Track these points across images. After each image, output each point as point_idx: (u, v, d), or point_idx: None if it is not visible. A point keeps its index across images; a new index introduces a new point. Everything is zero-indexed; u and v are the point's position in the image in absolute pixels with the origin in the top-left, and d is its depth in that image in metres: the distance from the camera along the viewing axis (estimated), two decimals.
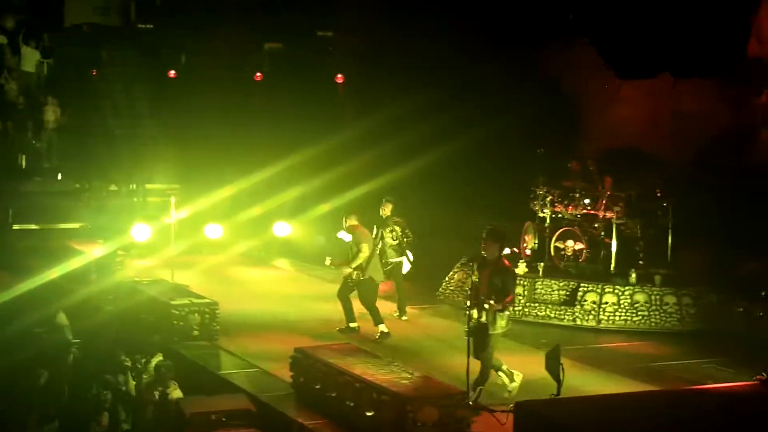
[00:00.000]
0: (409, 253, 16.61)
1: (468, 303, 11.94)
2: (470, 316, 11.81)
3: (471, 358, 11.60)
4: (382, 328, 15.22)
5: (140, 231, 18.83)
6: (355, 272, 15.21)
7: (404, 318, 16.58)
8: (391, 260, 16.38)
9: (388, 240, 16.36)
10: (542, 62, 21.49)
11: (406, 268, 16.61)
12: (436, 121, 21.08)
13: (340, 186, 20.60)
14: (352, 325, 15.43)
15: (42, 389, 12.84)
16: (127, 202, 22.69)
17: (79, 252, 19.00)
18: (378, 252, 15.78)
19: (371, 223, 16.03)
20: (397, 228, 16.42)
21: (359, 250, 15.17)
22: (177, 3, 28.26)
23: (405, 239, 16.50)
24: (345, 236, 15.88)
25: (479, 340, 11.86)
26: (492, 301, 11.74)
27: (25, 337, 13.75)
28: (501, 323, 11.93)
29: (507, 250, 17.20)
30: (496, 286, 11.81)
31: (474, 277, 12.11)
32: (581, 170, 18.09)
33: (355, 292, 15.45)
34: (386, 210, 16.39)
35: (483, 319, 11.83)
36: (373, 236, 15.82)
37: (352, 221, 15.43)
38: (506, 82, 21.40)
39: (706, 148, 19.38)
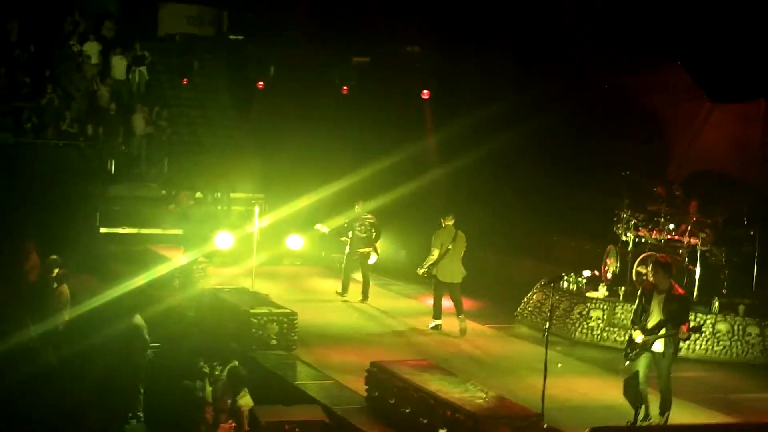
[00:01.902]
0: (377, 246, 18.86)
1: (547, 327, 11.99)
2: (633, 343, 11.93)
3: (635, 383, 11.73)
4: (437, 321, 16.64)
5: (223, 239, 19.01)
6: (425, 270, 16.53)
7: (367, 302, 18.64)
8: (358, 250, 18.70)
9: (358, 233, 18.66)
10: (632, 84, 21.29)
11: (373, 260, 18.88)
12: (520, 140, 21.03)
13: (421, 199, 20.66)
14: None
15: (122, 388, 13.07)
16: (212, 210, 22.95)
17: (163, 258, 19.29)
18: (349, 242, 18.63)
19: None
20: (367, 223, 18.67)
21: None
22: (268, 15, 28.59)
23: (374, 233, 18.71)
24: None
25: (649, 367, 11.92)
26: (684, 328, 11.77)
27: (108, 343, 13.96)
28: (676, 350, 12.07)
29: (587, 273, 17.28)
30: (673, 312, 11.81)
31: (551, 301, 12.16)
32: (667, 194, 17.82)
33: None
34: (358, 208, 18.89)
35: (660, 348, 11.86)
36: (345, 227, 18.77)
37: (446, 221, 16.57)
38: (592, 103, 21.25)
39: None
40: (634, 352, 11.95)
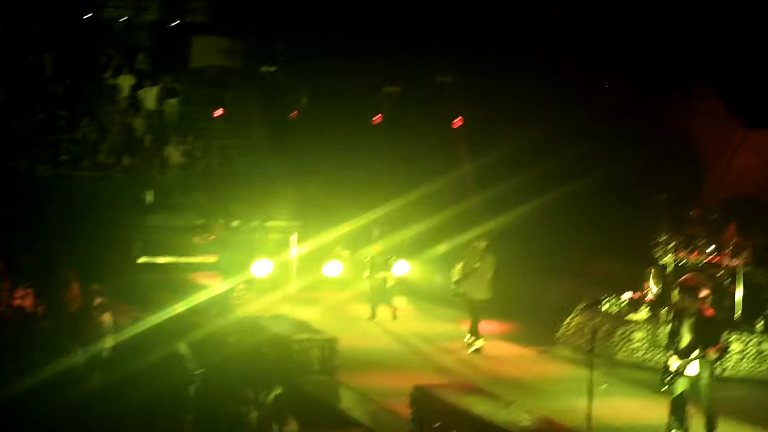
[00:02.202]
0: (392, 271, 19.58)
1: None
2: (668, 370, 11.93)
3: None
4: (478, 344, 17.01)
5: (261, 267, 19.08)
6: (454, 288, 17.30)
7: (375, 319, 19.38)
8: (377, 276, 19.54)
9: (378, 260, 19.51)
10: (667, 109, 21.32)
11: (390, 282, 19.63)
12: (555, 163, 21.06)
13: (458, 224, 20.65)
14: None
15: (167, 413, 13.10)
16: (249, 238, 23.03)
17: (202, 286, 19.37)
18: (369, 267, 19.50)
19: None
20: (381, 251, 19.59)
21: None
22: (299, 46, 28.81)
23: (388, 259, 19.52)
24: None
25: (687, 391, 11.89)
26: (712, 349, 11.75)
27: (151, 370, 14.01)
28: (711, 370, 12.03)
29: (629, 294, 17.25)
30: (704, 333, 11.78)
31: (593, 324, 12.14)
32: (704, 218, 17.81)
33: None
34: (374, 235, 20.01)
35: (695, 371, 11.84)
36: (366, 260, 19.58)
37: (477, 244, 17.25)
38: (629, 127, 21.28)
39: None
40: (670, 377, 11.89)
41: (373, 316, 19.49)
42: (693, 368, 11.85)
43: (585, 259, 20.63)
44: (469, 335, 17.16)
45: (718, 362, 15.14)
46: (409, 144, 25.48)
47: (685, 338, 11.88)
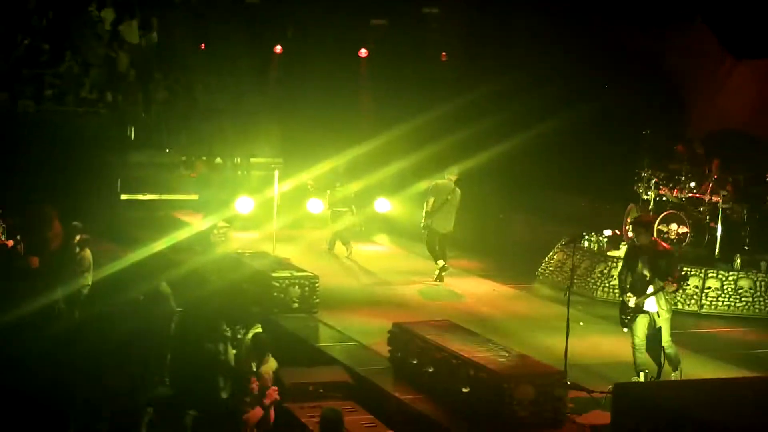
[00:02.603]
0: (353, 207, 19.74)
1: (568, 286, 12.03)
2: (626, 305, 11.87)
3: (643, 346, 11.76)
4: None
5: (244, 204, 19.07)
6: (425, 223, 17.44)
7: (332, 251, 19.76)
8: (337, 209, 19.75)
9: (338, 194, 19.73)
10: (651, 41, 21.13)
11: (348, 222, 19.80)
12: (539, 99, 20.94)
13: (440, 162, 20.55)
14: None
15: (147, 356, 13.19)
16: (231, 175, 22.98)
17: (184, 224, 19.36)
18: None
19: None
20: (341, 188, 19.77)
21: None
22: None
23: (352, 197, 19.83)
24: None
25: (649, 327, 11.84)
26: (668, 283, 11.67)
27: (131, 307, 14.08)
28: (670, 305, 11.94)
29: (608, 232, 17.27)
30: (660, 268, 11.74)
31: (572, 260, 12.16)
32: (688, 153, 17.76)
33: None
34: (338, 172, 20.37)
35: (653, 307, 11.77)
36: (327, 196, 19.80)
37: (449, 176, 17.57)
38: (611, 61, 21.11)
39: None
40: (629, 317, 11.86)
41: (330, 248, 19.81)
42: (651, 304, 11.78)
43: (567, 197, 20.61)
44: (440, 270, 17.48)
45: (680, 297, 15.40)
46: (396, 78, 25.29)
47: (642, 275, 11.82)
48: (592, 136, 20.56)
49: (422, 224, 17.46)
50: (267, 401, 11.60)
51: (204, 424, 11.57)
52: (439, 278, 17.48)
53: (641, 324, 11.85)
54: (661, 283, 11.68)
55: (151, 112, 25.83)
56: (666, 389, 9.84)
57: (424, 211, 17.43)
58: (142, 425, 11.47)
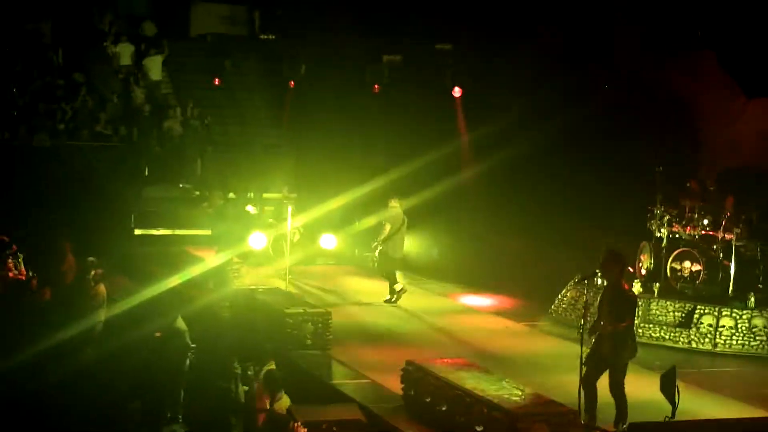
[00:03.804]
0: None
1: (581, 324, 11.69)
2: (583, 341, 11.51)
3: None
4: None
5: (257, 239, 19.11)
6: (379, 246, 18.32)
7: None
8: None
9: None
10: (665, 77, 21.17)
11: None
12: (553, 135, 20.98)
13: (454, 198, 20.65)
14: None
15: (161, 392, 13.20)
16: (245, 210, 23.04)
17: (197, 259, 19.39)
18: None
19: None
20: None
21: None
22: (299, 14, 28.62)
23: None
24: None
25: (598, 367, 11.63)
26: (610, 326, 11.45)
27: (146, 343, 14.09)
28: (623, 352, 11.59)
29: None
30: (614, 310, 11.57)
31: (585, 298, 12.09)
32: (700, 190, 17.75)
33: None
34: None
35: (605, 348, 11.54)
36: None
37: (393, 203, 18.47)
38: (625, 97, 21.16)
39: None
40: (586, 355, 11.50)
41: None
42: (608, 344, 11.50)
43: (580, 231, 20.58)
44: (390, 295, 18.39)
45: (694, 335, 15.24)
46: (410, 114, 25.37)
47: (603, 311, 11.63)
48: (606, 174, 20.56)
49: (377, 250, 18.30)
50: None
51: None
52: (398, 298, 18.39)
53: (590, 361, 11.57)
54: (611, 324, 11.44)
55: (166, 146, 25.97)
56: (680, 429, 9.80)
57: (380, 237, 18.24)
58: None
